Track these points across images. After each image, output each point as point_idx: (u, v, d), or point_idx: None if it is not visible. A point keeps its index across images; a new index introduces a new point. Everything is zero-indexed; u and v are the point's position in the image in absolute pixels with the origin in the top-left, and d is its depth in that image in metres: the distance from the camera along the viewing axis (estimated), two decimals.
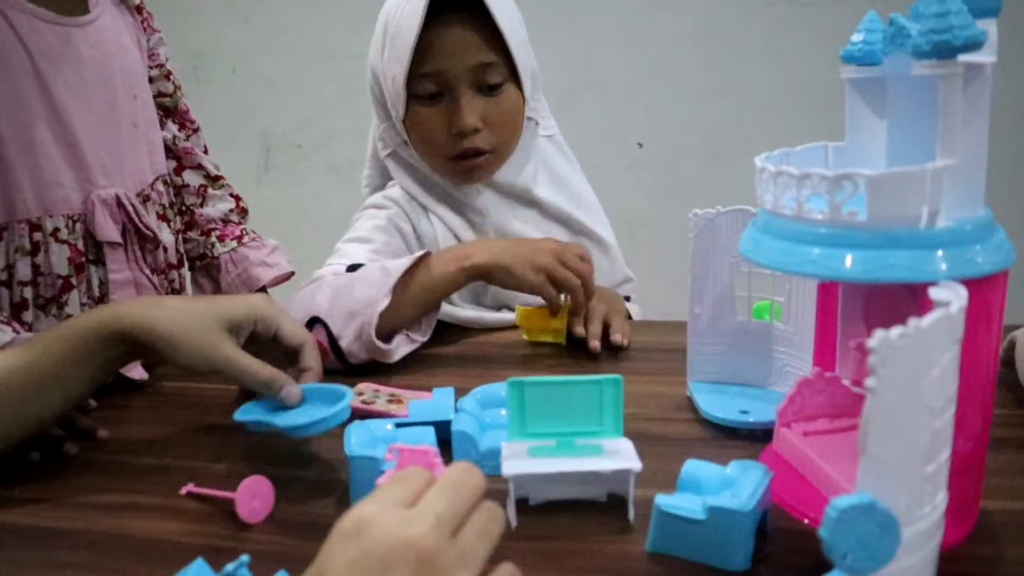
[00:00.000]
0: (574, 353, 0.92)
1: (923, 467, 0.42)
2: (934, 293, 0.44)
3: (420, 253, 0.91)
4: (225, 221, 1.11)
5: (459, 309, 1.04)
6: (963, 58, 0.47)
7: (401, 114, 0.99)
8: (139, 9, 1.03)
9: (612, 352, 0.91)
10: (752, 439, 0.68)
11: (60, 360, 0.64)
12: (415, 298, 0.90)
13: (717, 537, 0.51)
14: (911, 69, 0.49)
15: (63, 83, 0.88)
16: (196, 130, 1.11)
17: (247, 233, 1.12)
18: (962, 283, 0.45)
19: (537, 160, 1.08)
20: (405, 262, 0.89)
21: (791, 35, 2.05)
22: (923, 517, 0.43)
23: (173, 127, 1.08)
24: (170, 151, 1.08)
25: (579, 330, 0.92)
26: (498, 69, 0.97)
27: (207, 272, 1.12)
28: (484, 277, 0.91)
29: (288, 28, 2.30)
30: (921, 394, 0.40)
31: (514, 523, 0.57)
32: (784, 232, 0.51)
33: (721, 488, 0.53)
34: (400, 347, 0.90)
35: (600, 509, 0.59)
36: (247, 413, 0.66)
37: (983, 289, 0.48)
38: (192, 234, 1.10)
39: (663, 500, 0.52)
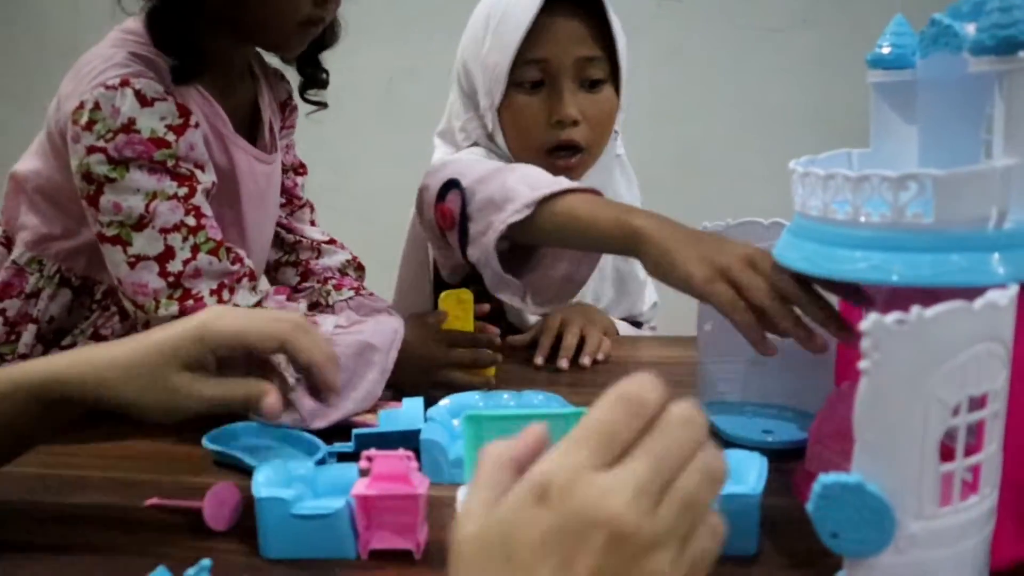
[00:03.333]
0: (568, 369, 0.91)
1: (935, 464, 0.40)
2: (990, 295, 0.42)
3: (583, 186, 0.77)
4: (343, 272, 1.10)
5: None
6: None
7: (497, 102, 0.97)
8: (283, 107, 1.03)
9: (611, 367, 0.91)
10: (774, 458, 0.65)
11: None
12: (559, 225, 0.75)
13: (728, 523, 0.49)
14: (956, 69, 0.48)
15: (253, 212, 0.93)
16: (303, 206, 1.11)
17: (364, 288, 1.09)
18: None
19: (609, 177, 1.09)
20: (564, 181, 0.76)
21: (758, 58, 2.10)
22: (940, 516, 0.41)
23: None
24: (294, 200, 1.09)
25: (539, 360, 0.92)
26: (601, 66, 0.98)
27: None
28: (635, 248, 0.71)
29: None
30: (929, 386, 0.39)
31: None
32: (834, 238, 0.49)
33: None
34: (514, 290, 0.82)
35: None
36: (216, 442, 0.67)
37: None
38: (308, 283, 1.08)
39: None
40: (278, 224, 1.07)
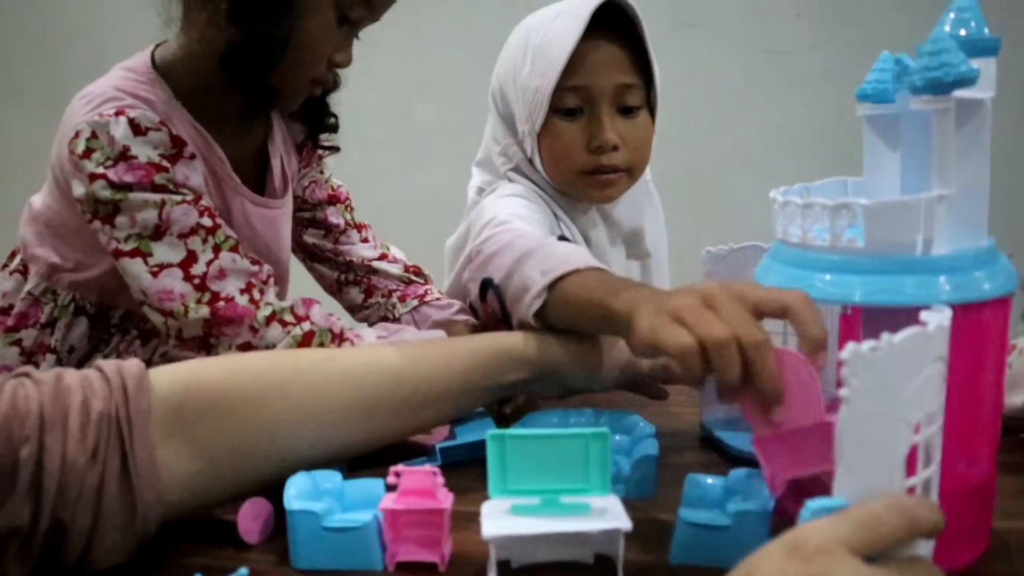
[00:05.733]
0: None
1: (902, 480, 0.42)
2: (924, 315, 0.45)
3: (588, 265, 0.74)
4: (405, 282, 1.10)
5: None
6: (958, 94, 0.49)
7: (538, 127, 0.98)
8: (300, 147, 1.03)
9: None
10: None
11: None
12: (564, 312, 0.74)
13: (739, 540, 0.51)
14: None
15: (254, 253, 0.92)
16: (343, 231, 1.12)
17: (431, 292, 1.09)
18: (966, 308, 0.48)
19: (639, 205, 1.09)
20: (572, 260, 0.74)
21: (767, 82, 2.11)
22: None
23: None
24: (333, 229, 1.10)
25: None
26: (638, 92, 0.99)
27: None
28: (618, 331, 0.65)
29: None
30: (897, 407, 0.41)
31: None
32: (793, 259, 0.53)
33: (729, 496, 0.55)
34: None
35: (587, 572, 0.54)
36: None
37: (985, 314, 0.50)
38: (373, 299, 1.10)
39: (686, 512, 0.54)
40: (327, 251, 1.09)
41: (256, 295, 0.81)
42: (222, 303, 0.79)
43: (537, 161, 1.01)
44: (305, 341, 0.81)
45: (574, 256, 0.76)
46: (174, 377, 0.57)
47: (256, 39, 0.80)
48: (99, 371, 0.55)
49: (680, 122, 2.15)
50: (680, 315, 0.54)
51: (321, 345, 0.81)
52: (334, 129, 1.01)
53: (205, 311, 0.79)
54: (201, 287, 0.79)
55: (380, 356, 0.65)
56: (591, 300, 0.68)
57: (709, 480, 0.57)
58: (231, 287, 0.80)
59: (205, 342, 0.80)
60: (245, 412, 0.58)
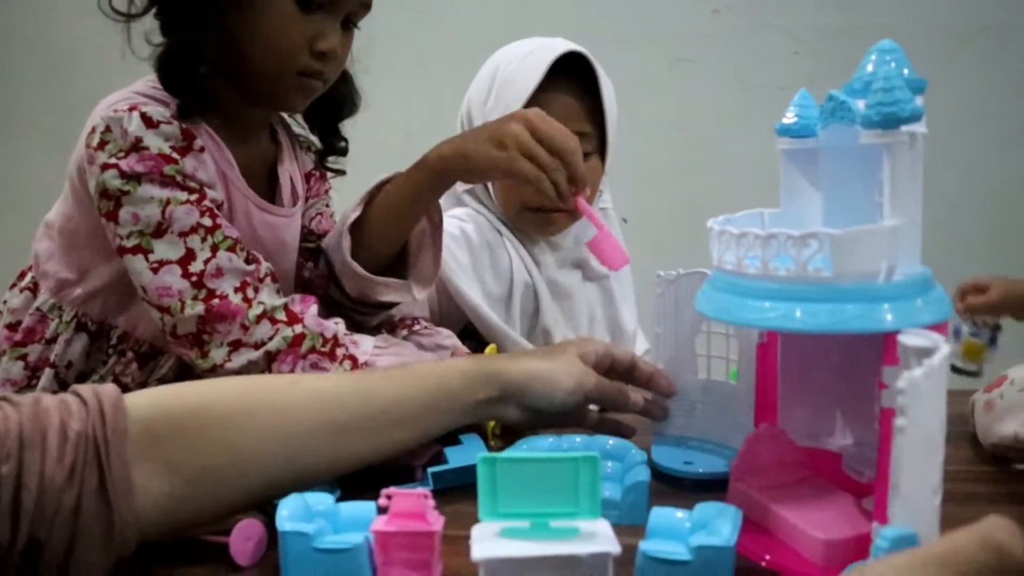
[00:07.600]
0: None
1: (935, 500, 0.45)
2: (905, 338, 0.47)
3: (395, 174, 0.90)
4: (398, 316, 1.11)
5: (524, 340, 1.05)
6: (905, 128, 0.51)
7: None
8: (308, 176, 1.05)
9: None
10: (698, 489, 0.69)
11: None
12: (387, 206, 0.90)
13: (700, 575, 0.52)
14: (852, 139, 0.53)
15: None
16: None
17: (419, 322, 1.08)
18: None
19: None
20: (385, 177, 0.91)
21: (768, 116, 2.12)
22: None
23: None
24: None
25: None
26: (590, 140, 1.03)
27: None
28: (446, 172, 0.87)
29: None
30: (937, 430, 0.44)
31: None
32: (745, 290, 0.54)
33: (693, 531, 0.55)
34: (386, 287, 0.93)
35: None
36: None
37: None
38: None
39: (647, 546, 0.53)
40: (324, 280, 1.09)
41: (250, 293, 0.83)
42: (216, 300, 0.81)
43: (491, 189, 1.06)
44: (295, 343, 0.82)
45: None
46: (148, 401, 0.59)
47: (181, 46, 0.83)
48: (76, 395, 0.56)
49: (680, 157, 2.19)
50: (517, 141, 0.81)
51: (312, 350, 0.82)
52: (343, 152, 1.03)
53: (200, 308, 0.81)
54: (198, 284, 0.81)
55: (346, 379, 0.68)
56: (407, 175, 0.89)
57: (677, 513, 0.57)
58: (226, 285, 0.82)
59: (198, 338, 0.82)
60: (214, 433, 0.59)
